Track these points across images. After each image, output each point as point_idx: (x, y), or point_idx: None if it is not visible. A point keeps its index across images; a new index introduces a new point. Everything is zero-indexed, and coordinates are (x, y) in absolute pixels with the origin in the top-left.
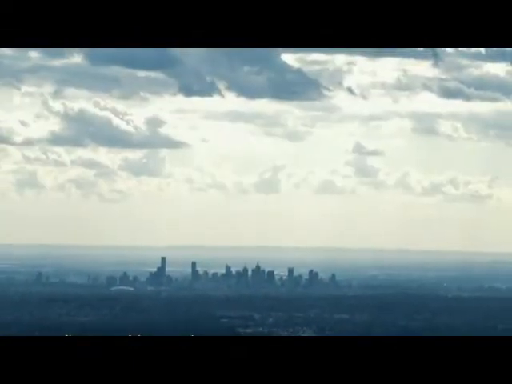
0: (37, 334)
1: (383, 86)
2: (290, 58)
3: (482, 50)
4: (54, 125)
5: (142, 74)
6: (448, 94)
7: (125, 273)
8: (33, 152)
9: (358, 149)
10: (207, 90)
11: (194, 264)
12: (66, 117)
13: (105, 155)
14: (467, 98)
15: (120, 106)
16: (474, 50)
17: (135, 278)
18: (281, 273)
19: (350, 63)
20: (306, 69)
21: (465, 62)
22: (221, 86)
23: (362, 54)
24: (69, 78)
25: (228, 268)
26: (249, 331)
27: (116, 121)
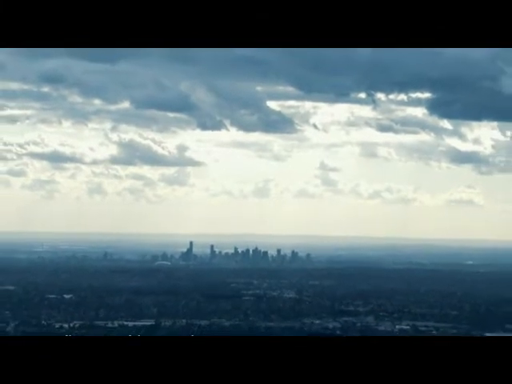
0: (103, 294)
1: (338, 123)
2: (274, 103)
3: (405, 98)
4: (113, 150)
5: (171, 115)
6: (383, 128)
7: (164, 252)
8: (98, 169)
9: (323, 167)
10: (217, 126)
11: (212, 246)
12: (120, 144)
13: (148, 171)
14: (396, 131)
15: (157, 136)
16: (399, 98)
17: (172, 256)
18: (272, 252)
19: (315, 107)
20: (285, 111)
21: (394, 106)
22: (226, 123)
23: (324, 101)
24: (121, 118)
25: (236, 249)
26: (250, 292)
27: (155, 147)
